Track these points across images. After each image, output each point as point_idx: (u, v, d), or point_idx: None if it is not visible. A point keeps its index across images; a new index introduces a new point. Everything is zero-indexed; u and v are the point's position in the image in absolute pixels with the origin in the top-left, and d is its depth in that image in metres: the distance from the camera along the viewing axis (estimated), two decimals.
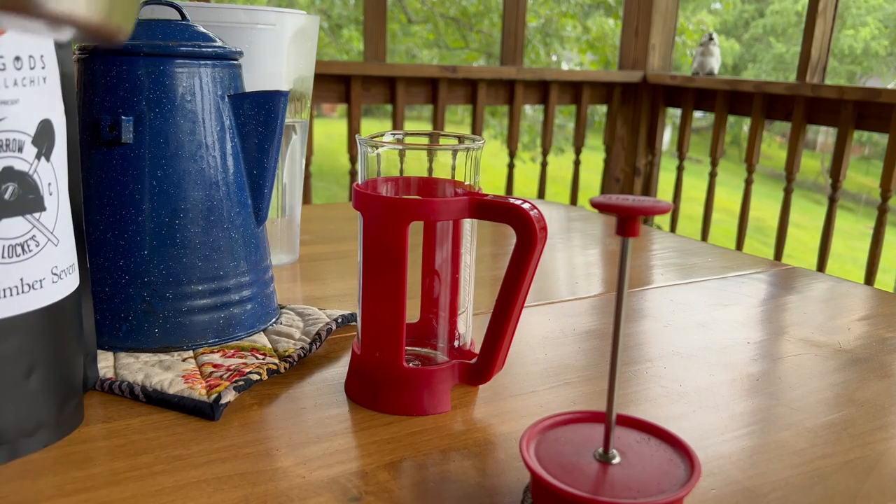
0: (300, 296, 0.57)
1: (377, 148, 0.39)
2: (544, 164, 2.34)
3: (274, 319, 0.48)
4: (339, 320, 0.49)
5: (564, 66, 8.01)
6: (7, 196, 0.31)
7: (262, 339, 0.45)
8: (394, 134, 0.40)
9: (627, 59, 2.43)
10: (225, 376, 0.39)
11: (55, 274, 0.33)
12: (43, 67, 0.33)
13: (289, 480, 0.32)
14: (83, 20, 0.15)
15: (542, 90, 2.27)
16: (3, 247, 0.31)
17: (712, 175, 2.25)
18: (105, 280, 0.41)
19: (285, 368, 0.42)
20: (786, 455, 0.36)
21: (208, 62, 0.42)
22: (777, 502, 0.32)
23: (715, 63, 2.32)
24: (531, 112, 5.26)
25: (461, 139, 0.40)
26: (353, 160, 2.01)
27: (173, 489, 0.31)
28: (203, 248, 0.42)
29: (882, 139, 2.11)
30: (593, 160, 2.79)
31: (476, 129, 2.13)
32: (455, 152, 0.39)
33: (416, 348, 0.42)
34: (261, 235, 0.46)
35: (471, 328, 0.43)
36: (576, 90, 2.33)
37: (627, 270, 0.29)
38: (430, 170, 0.40)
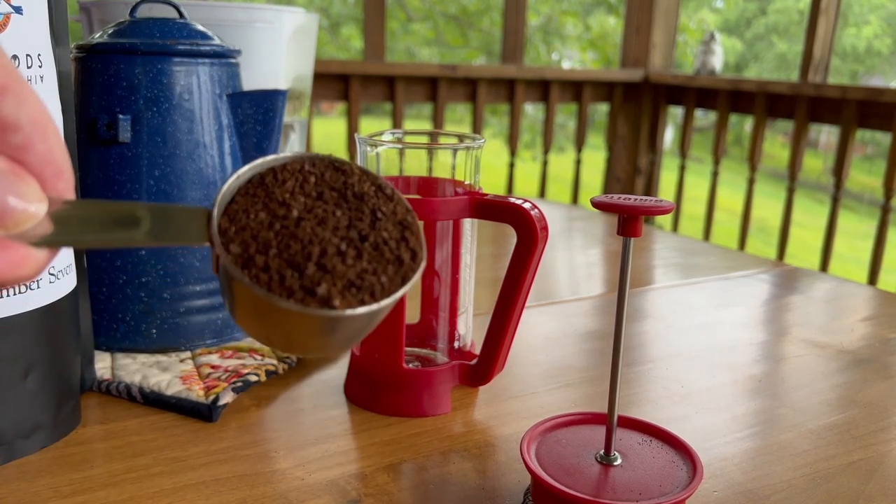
0: None
1: (376, 147, 0.38)
2: (545, 164, 2.34)
3: None
4: None
5: (566, 65, 8.01)
6: None
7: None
8: (393, 133, 0.40)
9: (629, 57, 2.43)
10: (223, 377, 0.39)
11: (52, 274, 0.33)
12: (40, 66, 0.32)
13: (287, 482, 0.32)
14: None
15: (543, 89, 2.26)
16: None
17: (714, 174, 2.25)
18: (102, 280, 0.41)
19: (284, 370, 0.42)
20: (788, 457, 0.36)
21: (206, 60, 0.42)
22: None
23: (717, 62, 2.31)
24: (532, 111, 5.26)
25: (461, 138, 0.39)
26: (352, 159, 2.01)
27: (171, 491, 0.31)
28: (201, 248, 0.42)
29: (885, 138, 2.10)
30: (595, 159, 2.79)
31: (476, 127, 2.13)
32: (455, 151, 0.39)
33: (416, 349, 0.42)
34: None
35: (471, 329, 0.43)
36: (577, 89, 2.33)
37: (629, 270, 0.29)
38: (430, 169, 0.40)
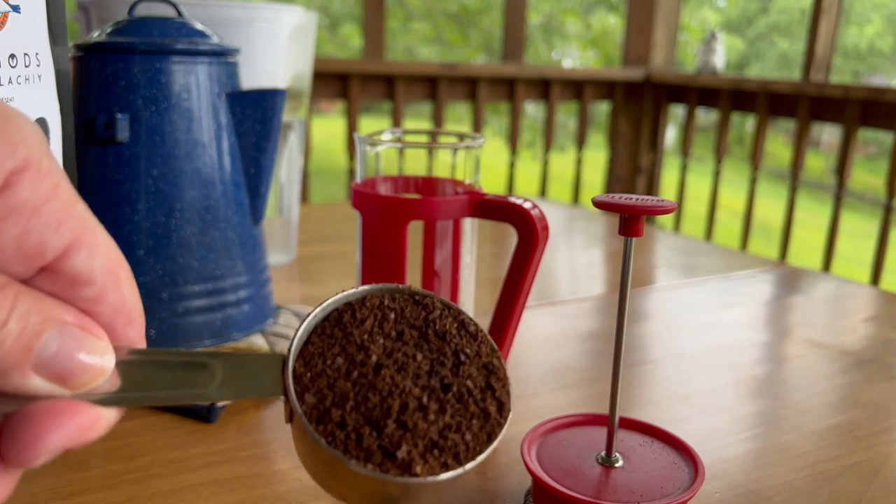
0: (298, 296, 0.57)
1: (376, 146, 0.38)
2: (546, 163, 2.34)
3: (271, 320, 0.48)
4: None
5: (567, 63, 8.00)
6: None
7: (259, 341, 0.45)
8: (393, 132, 0.40)
9: (630, 56, 2.42)
10: None
11: None
12: (38, 65, 0.32)
13: (286, 484, 0.32)
14: None
15: (544, 88, 2.26)
16: None
17: (716, 174, 2.24)
18: None
19: None
20: (790, 458, 0.36)
21: (205, 59, 0.41)
22: None
23: (718, 60, 2.31)
24: (533, 110, 5.26)
25: (461, 137, 0.39)
26: (351, 158, 2.01)
27: (169, 492, 0.31)
28: (199, 248, 0.42)
29: (887, 137, 2.09)
30: (596, 159, 2.78)
31: (476, 126, 2.12)
32: (455, 150, 0.38)
33: None
34: (258, 235, 0.46)
35: None
36: (578, 88, 2.32)
37: (630, 271, 0.28)
38: (430, 168, 0.39)
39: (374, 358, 0.19)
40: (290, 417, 0.19)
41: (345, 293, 0.20)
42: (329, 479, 0.19)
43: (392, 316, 0.20)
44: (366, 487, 0.18)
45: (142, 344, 0.17)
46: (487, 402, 0.19)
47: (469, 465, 0.18)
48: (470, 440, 0.18)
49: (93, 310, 0.16)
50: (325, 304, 0.20)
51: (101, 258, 0.16)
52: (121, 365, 0.17)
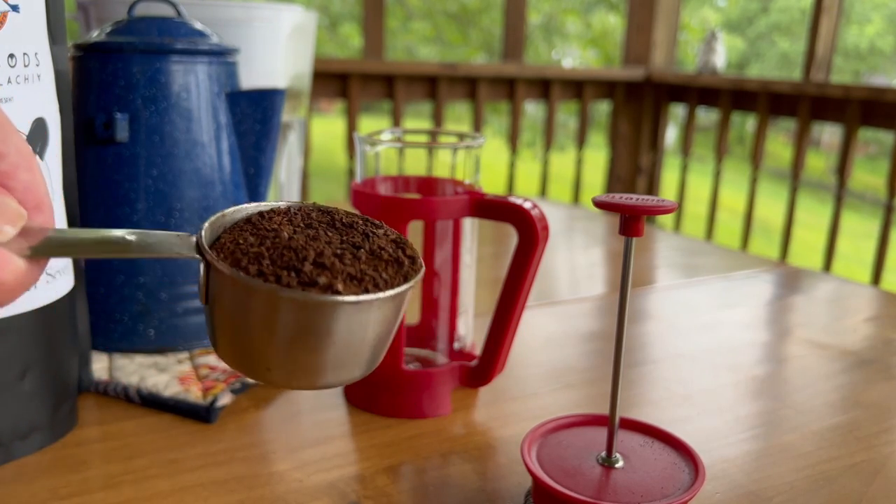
0: None
1: (376, 146, 0.38)
2: (546, 163, 2.34)
3: None
4: None
5: (567, 63, 8.00)
6: None
7: None
8: (393, 132, 0.40)
9: (630, 55, 2.42)
10: (221, 378, 0.39)
11: (49, 275, 0.33)
12: (37, 65, 0.32)
13: (286, 484, 0.32)
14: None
15: (544, 87, 2.26)
16: None
17: (717, 173, 2.24)
18: (100, 281, 0.41)
19: None
20: (791, 458, 0.35)
21: (204, 59, 0.41)
22: None
23: (719, 60, 2.31)
24: (533, 110, 5.26)
25: (461, 137, 0.39)
26: (351, 158, 2.01)
27: (169, 493, 0.31)
28: None
29: (888, 137, 2.09)
30: (596, 158, 2.78)
31: (477, 126, 2.12)
32: (455, 150, 0.38)
33: (416, 350, 0.41)
34: None
35: (471, 329, 0.43)
36: (578, 87, 2.32)
37: (631, 270, 0.28)
38: (430, 168, 0.39)
39: (285, 233, 0.19)
40: (206, 298, 0.19)
41: (250, 205, 0.21)
42: (248, 343, 0.18)
43: (299, 216, 0.21)
44: (286, 331, 0.18)
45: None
46: (399, 255, 0.20)
47: (390, 292, 0.18)
48: (387, 278, 0.19)
49: (4, 183, 0.18)
50: (234, 209, 0.20)
51: (15, 140, 0.18)
52: (33, 240, 0.18)
